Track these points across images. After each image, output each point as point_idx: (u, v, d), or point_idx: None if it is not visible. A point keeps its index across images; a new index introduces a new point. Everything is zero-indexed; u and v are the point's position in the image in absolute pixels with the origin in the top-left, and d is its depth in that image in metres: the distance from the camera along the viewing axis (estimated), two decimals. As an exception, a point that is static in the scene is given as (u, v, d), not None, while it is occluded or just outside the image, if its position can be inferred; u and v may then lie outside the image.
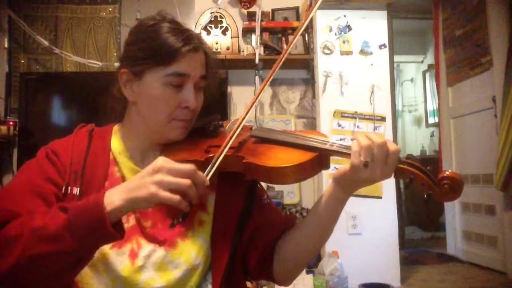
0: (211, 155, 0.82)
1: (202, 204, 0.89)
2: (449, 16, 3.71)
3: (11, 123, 3.09)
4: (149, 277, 0.81)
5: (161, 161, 0.72)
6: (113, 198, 0.70)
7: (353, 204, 2.79)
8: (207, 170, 0.77)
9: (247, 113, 0.85)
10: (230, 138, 0.81)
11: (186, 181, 0.70)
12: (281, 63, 0.88)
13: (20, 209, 0.75)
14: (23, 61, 3.35)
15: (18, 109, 3.17)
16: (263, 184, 1.02)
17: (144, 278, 0.81)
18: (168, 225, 0.83)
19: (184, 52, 0.85)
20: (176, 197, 0.70)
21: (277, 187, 3.18)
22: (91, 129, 0.95)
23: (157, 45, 0.85)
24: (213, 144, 0.86)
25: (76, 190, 0.83)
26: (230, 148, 0.83)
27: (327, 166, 0.83)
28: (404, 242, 3.84)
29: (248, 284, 2.43)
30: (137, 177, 0.72)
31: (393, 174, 0.75)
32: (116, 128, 0.97)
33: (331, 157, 0.83)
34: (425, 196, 0.74)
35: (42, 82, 3.15)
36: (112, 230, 0.68)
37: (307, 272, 2.58)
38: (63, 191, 0.83)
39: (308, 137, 0.83)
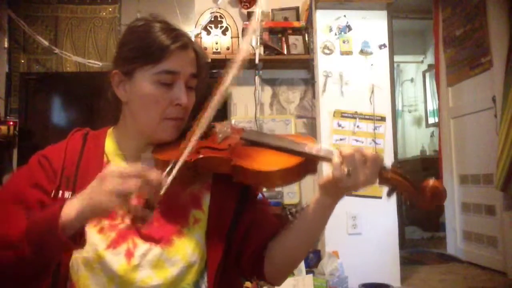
0: (201, 156, 0.83)
1: (197, 203, 0.90)
2: (449, 16, 3.71)
3: (11, 123, 3.09)
4: (146, 275, 0.81)
5: (109, 168, 0.70)
6: (70, 209, 0.69)
7: (353, 204, 2.84)
8: (166, 171, 0.74)
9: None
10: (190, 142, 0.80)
11: (136, 181, 0.67)
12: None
13: None
14: (23, 61, 3.34)
15: (18, 109, 3.18)
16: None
17: (140, 276, 0.81)
18: (164, 223, 0.85)
19: (173, 49, 0.85)
20: (128, 201, 0.67)
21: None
22: (85, 133, 0.96)
23: (147, 43, 0.86)
24: (203, 145, 0.86)
25: (68, 194, 0.84)
26: (219, 150, 0.84)
27: (314, 171, 0.84)
28: (404, 242, 3.84)
29: (248, 284, 2.42)
30: (89, 186, 0.70)
31: (377, 180, 0.77)
32: (110, 130, 0.97)
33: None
34: (408, 203, 0.76)
35: (42, 82, 3.15)
36: (65, 238, 0.68)
37: (307, 272, 2.58)
38: (52, 195, 0.84)
39: (297, 143, 0.84)
